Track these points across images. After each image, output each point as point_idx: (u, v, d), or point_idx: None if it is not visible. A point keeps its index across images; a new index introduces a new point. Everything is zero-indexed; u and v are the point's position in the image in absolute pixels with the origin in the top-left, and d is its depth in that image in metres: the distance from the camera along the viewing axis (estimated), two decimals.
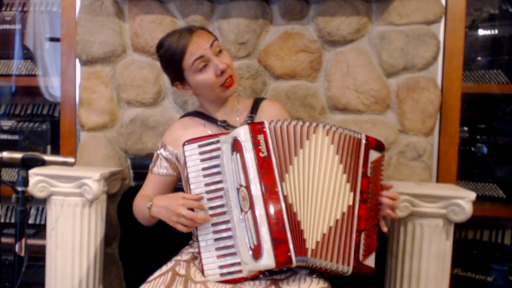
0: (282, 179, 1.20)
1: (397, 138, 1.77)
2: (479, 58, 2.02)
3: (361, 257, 1.25)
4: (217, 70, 1.36)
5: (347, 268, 1.23)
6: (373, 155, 1.30)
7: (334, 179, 1.25)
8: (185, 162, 1.31)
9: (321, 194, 1.24)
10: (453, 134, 1.79)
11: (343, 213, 1.24)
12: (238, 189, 1.23)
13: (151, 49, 1.85)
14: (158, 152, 1.50)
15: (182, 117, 1.56)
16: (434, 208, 1.53)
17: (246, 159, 1.20)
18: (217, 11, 1.82)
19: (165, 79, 1.87)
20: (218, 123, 1.44)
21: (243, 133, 1.22)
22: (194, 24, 1.81)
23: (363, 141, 1.29)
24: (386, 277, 1.68)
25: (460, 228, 2.03)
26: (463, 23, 1.77)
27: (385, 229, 1.31)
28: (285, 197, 1.19)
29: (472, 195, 1.50)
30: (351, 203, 1.25)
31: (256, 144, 1.20)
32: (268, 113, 1.49)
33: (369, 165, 1.29)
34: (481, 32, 2.04)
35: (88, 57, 1.89)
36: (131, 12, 1.86)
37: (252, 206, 1.19)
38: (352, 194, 1.26)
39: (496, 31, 2.00)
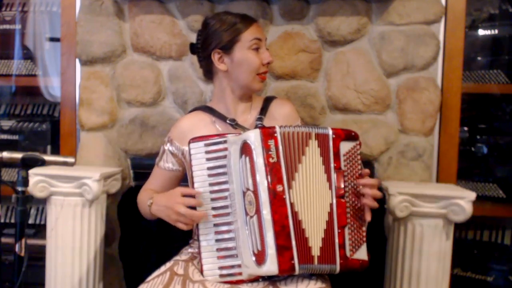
0: (289, 186, 1.20)
1: (397, 138, 1.77)
2: (479, 58, 2.02)
3: (348, 253, 1.24)
4: (265, 59, 1.41)
5: (334, 267, 1.22)
6: (346, 146, 1.28)
7: (321, 181, 1.24)
8: (190, 160, 1.30)
9: (317, 199, 1.23)
10: (453, 134, 1.79)
11: (328, 213, 1.24)
12: (244, 193, 1.22)
13: (151, 49, 1.85)
14: (165, 147, 1.50)
15: (191, 111, 1.55)
16: (434, 208, 1.53)
17: (255, 163, 1.19)
18: (217, 11, 1.82)
19: (165, 79, 1.87)
20: (227, 121, 1.43)
21: (253, 137, 1.20)
22: (194, 24, 1.81)
23: (330, 135, 1.26)
24: (386, 277, 1.68)
25: (460, 228, 2.03)
26: (463, 23, 1.77)
27: (368, 218, 1.27)
28: (291, 204, 1.19)
29: (472, 195, 1.50)
30: (330, 201, 1.25)
31: (266, 149, 1.19)
32: (277, 113, 1.49)
33: (342, 157, 1.27)
34: (481, 32, 2.04)
35: (88, 57, 1.88)
36: (131, 12, 1.86)
37: (258, 211, 1.19)
38: (330, 192, 1.25)
39: (496, 31, 2.00)
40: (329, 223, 1.23)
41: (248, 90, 1.45)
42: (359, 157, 1.30)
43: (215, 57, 1.42)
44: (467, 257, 2.03)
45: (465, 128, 2.04)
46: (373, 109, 1.78)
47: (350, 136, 1.29)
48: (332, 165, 1.25)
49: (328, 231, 1.23)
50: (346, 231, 1.24)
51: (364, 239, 1.27)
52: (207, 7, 1.81)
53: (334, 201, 1.24)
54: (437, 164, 1.80)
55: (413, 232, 1.55)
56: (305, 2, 1.78)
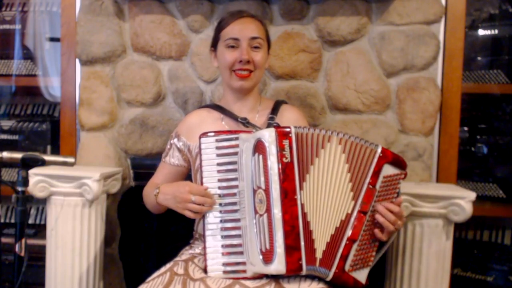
0: (301, 187, 1.20)
1: (397, 138, 1.77)
2: (479, 58, 2.02)
3: (347, 267, 1.23)
4: (239, 57, 1.40)
5: (327, 272, 1.22)
6: (389, 170, 1.26)
7: (342, 188, 1.24)
8: (200, 155, 1.30)
9: (329, 203, 1.23)
10: (453, 134, 1.79)
11: (341, 221, 1.23)
12: (255, 191, 1.22)
13: (151, 49, 1.85)
14: (172, 141, 1.51)
15: (200, 108, 1.56)
16: (434, 208, 1.53)
17: (269, 162, 1.19)
18: (217, 11, 1.82)
19: (165, 79, 1.87)
20: (239, 119, 1.43)
21: (268, 136, 1.20)
22: (194, 24, 1.81)
23: (378, 153, 1.25)
24: (386, 277, 1.68)
25: (460, 228, 2.03)
26: (463, 23, 1.77)
27: (379, 234, 1.25)
28: (302, 205, 1.19)
29: (472, 195, 1.50)
30: (349, 211, 1.24)
31: (281, 149, 1.19)
32: (287, 117, 1.49)
33: (381, 178, 1.25)
34: (481, 32, 2.04)
35: (88, 57, 1.88)
36: (131, 12, 1.86)
37: (269, 210, 1.18)
38: (353, 202, 1.24)
39: (496, 31, 2.00)
40: (339, 230, 1.23)
41: (231, 88, 1.47)
42: (398, 186, 1.28)
43: (212, 54, 1.50)
44: (467, 257, 2.03)
45: (465, 128, 2.04)
46: (373, 109, 1.78)
47: (398, 162, 1.27)
48: (367, 179, 1.24)
49: (335, 238, 1.23)
50: (354, 246, 1.23)
51: (370, 263, 1.26)
52: (207, 7, 1.81)
53: (355, 213, 1.23)
54: (437, 164, 1.80)
55: (413, 232, 1.55)
56: (305, 2, 1.78)
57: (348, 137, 1.25)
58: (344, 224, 1.23)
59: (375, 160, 1.25)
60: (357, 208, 1.24)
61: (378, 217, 1.24)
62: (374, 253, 1.27)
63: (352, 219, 1.23)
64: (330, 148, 1.24)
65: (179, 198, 1.30)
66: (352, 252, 1.23)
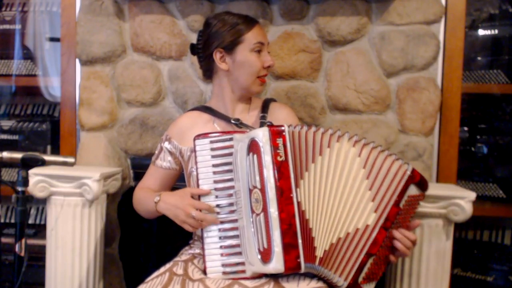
0: (297, 185, 1.19)
1: (397, 138, 1.77)
2: (479, 58, 2.02)
3: (360, 279, 1.23)
4: (266, 62, 1.42)
5: (342, 282, 1.22)
6: (413, 190, 1.26)
7: (355, 192, 1.23)
8: (195, 157, 1.30)
9: (337, 204, 1.23)
10: (453, 134, 1.79)
11: (356, 229, 1.23)
12: (251, 190, 1.22)
13: (151, 49, 1.85)
14: (162, 145, 1.50)
15: (189, 111, 1.55)
16: (434, 208, 1.53)
17: (263, 161, 1.19)
18: (217, 11, 1.82)
19: (165, 79, 1.87)
20: (232, 121, 1.42)
21: (262, 135, 1.20)
22: (194, 24, 1.81)
23: (408, 173, 1.24)
24: (386, 277, 1.68)
25: (460, 228, 2.03)
26: (463, 23, 1.76)
27: (392, 258, 1.27)
28: (298, 203, 1.19)
29: (472, 195, 1.50)
30: (370, 223, 1.23)
31: (274, 147, 1.19)
32: (277, 114, 1.49)
33: (405, 197, 1.25)
34: (481, 32, 2.04)
35: (88, 57, 1.88)
36: (131, 12, 1.86)
37: (265, 209, 1.18)
38: (374, 215, 1.23)
39: (496, 31, 2.00)
40: (354, 238, 1.22)
41: (247, 92, 1.46)
42: (417, 207, 1.29)
43: (217, 56, 1.42)
44: (467, 257, 2.03)
45: (465, 128, 2.04)
46: (373, 109, 1.78)
47: (423, 184, 1.27)
48: (394, 197, 1.23)
49: (348, 244, 1.22)
50: (370, 260, 1.23)
51: (378, 277, 1.27)
52: (207, 7, 1.81)
53: (378, 228, 1.23)
54: (437, 164, 1.80)
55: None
56: (305, 2, 1.78)
57: (367, 142, 1.25)
58: (362, 235, 1.23)
59: (405, 179, 1.24)
60: (381, 223, 1.23)
61: (396, 242, 1.24)
62: (383, 269, 1.27)
63: (375, 233, 1.23)
64: (338, 148, 1.24)
65: (179, 210, 1.29)
66: (367, 265, 1.23)
